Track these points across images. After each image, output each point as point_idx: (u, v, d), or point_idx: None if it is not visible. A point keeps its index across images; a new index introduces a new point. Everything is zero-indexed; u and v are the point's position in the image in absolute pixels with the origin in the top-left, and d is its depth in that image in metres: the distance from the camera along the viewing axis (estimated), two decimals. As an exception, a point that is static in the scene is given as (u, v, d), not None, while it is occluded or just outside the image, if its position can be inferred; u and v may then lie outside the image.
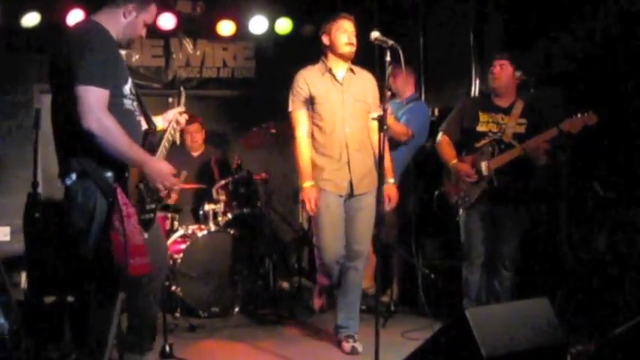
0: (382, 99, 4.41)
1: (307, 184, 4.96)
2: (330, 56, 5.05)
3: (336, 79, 5.01)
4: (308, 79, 5.00)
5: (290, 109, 5.05)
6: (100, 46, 3.49)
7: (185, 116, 4.14)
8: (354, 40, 4.96)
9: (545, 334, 3.77)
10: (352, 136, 4.98)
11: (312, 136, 5.02)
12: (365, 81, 5.12)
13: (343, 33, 4.95)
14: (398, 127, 6.05)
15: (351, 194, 5.01)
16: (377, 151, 4.66)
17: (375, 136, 5.01)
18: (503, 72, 5.28)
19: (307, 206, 4.96)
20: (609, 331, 4.02)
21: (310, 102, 5.00)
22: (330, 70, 5.02)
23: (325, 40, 5.03)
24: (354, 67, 5.09)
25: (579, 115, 4.86)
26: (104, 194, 3.49)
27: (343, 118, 4.96)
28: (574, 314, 4.96)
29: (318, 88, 4.98)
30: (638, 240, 5.06)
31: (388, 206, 5.10)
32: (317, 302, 5.90)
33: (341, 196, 5.00)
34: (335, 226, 5.00)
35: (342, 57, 5.00)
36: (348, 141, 4.96)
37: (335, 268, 5.09)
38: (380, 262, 4.87)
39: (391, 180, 5.13)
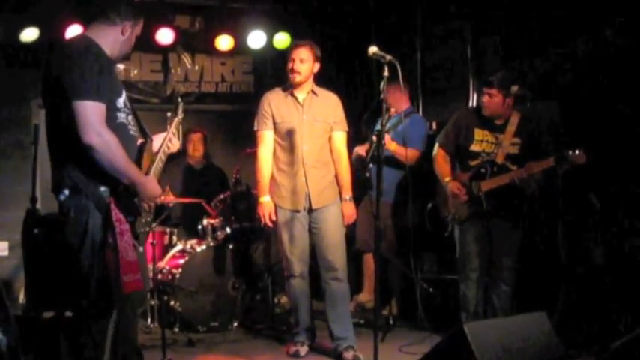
0: (381, 114, 4.49)
1: (263, 199, 5.27)
2: None
3: (297, 101, 5.26)
4: (272, 102, 5.29)
5: (255, 128, 5.34)
6: (94, 61, 3.47)
7: (177, 144, 4.13)
8: (297, 68, 5.19)
9: (544, 347, 3.78)
10: (310, 154, 5.21)
11: (275, 154, 5.29)
12: (327, 102, 5.34)
13: (290, 62, 5.23)
14: (402, 151, 6.03)
15: (310, 209, 5.22)
16: (338, 167, 5.29)
17: (336, 154, 5.32)
18: (492, 100, 5.28)
19: (262, 220, 5.28)
20: (607, 345, 4.02)
21: (273, 122, 5.25)
22: (292, 93, 5.26)
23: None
24: (318, 89, 5.33)
25: (570, 153, 4.84)
26: (98, 210, 3.49)
27: (302, 137, 5.20)
28: (572, 328, 4.96)
29: (280, 109, 5.26)
30: (636, 253, 5.07)
31: (346, 224, 5.35)
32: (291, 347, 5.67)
33: (298, 211, 5.22)
34: (293, 241, 5.24)
35: (290, 82, 5.26)
36: (305, 159, 5.21)
37: (298, 282, 5.30)
38: (379, 276, 4.88)
39: (347, 197, 5.32)
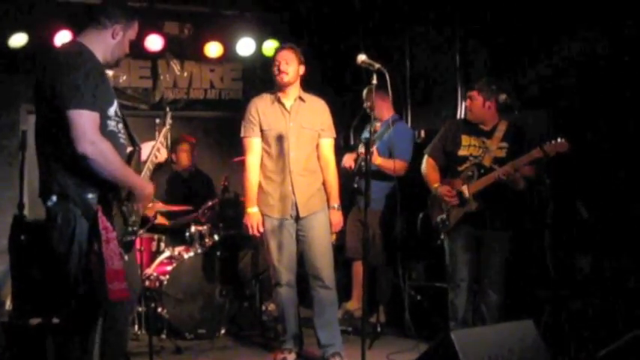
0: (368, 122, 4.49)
1: (251, 209, 5.23)
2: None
3: (284, 108, 5.22)
4: (259, 108, 5.25)
5: (242, 135, 5.29)
6: (87, 69, 3.44)
7: (165, 153, 4.12)
8: (284, 68, 5.15)
9: (531, 356, 3.78)
10: (297, 161, 5.18)
11: (262, 162, 5.25)
12: (314, 108, 5.30)
13: (275, 64, 5.19)
14: (388, 164, 6.07)
15: (297, 216, 5.19)
16: (326, 175, 5.25)
17: (324, 161, 5.28)
18: (473, 104, 5.33)
19: (250, 231, 5.23)
20: (594, 353, 4.03)
21: (260, 129, 5.22)
22: (279, 99, 5.22)
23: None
24: (305, 95, 5.29)
25: (552, 142, 4.89)
26: (85, 217, 3.47)
27: (289, 144, 5.16)
28: (559, 336, 4.97)
29: (267, 115, 5.22)
30: (623, 262, 5.09)
31: (333, 232, 5.35)
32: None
33: (286, 219, 5.19)
34: (281, 250, 5.21)
35: (277, 85, 5.22)
36: (292, 166, 5.17)
37: (286, 290, 5.28)
38: (367, 284, 4.87)
39: (335, 205, 5.31)
